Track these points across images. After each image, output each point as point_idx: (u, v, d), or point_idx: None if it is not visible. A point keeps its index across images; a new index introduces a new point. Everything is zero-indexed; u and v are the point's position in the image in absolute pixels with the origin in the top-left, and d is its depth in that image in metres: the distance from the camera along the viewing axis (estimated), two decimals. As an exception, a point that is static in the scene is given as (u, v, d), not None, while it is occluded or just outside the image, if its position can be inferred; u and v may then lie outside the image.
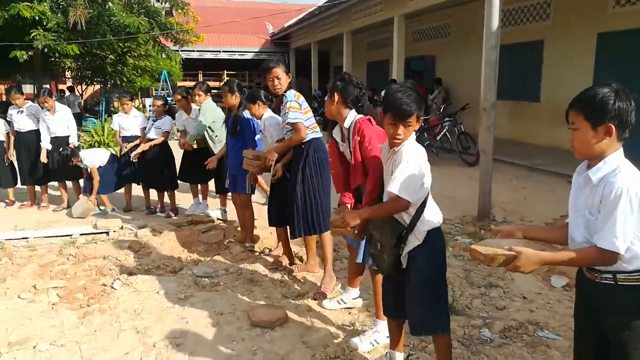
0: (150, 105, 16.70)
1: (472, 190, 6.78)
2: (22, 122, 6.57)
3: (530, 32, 11.07)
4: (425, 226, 2.42)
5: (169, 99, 18.89)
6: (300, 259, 4.59)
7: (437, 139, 10.64)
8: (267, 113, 4.47)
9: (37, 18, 11.14)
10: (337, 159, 3.16)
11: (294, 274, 4.20)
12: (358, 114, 3.04)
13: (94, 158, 6.25)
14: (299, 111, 3.83)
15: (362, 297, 3.63)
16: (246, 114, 4.79)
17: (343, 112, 3.03)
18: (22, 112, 6.56)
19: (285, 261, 4.41)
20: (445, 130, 10.50)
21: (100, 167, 6.22)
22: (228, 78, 23.74)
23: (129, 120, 6.36)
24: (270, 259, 4.59)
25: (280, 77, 3.92)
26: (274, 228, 4.59)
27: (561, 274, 4.11)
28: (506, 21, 11.44)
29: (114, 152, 6.73)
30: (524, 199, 6.77)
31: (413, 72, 15.65)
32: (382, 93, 11.15)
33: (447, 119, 10.58)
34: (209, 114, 5.69)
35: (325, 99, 3.21)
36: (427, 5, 11.75)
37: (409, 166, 2.33)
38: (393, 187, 2.33)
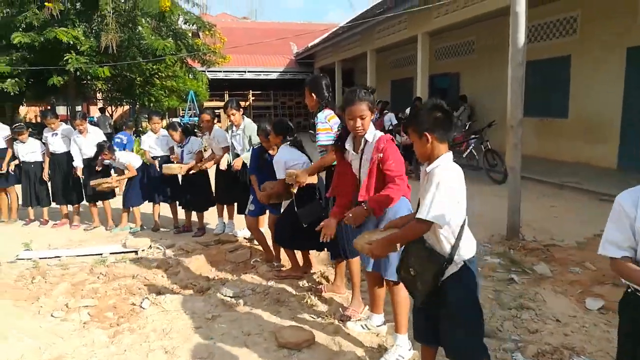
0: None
1: (500, 208, 6.66)
2: (56, 144, 6.79)
3: (557, 48, 10.95)
4: (464, 255, 2.36)
5: (196, 118, 19.32)
6: (327, 279, 4.57)
7: (463, 156, 10.54)
8: (283, 147, 4.44)
9: (71, 43, 11.55)
10: (341, 168, 3.27)
11: (320, 294, 4.18)
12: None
13: (130, 158, 6.49)
14: (330, 132, 3.81)
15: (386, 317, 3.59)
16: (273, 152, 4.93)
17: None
18: (56, 134, 6.78)
19: (289, 272, 4.60)
20: (471, 147, 10.41)
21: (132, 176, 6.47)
22: (253, 98, 24.16)
23: (158, 140, 6.50)
24: (300, 282, 4.58)
25: (306, 96, 3.99)
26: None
27: (597, 296, 3.99)
28: (532, 37, 11.35)
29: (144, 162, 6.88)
30: (553, 218, 6.62)
31: (437, 89, 15.60)
32: (407, 111, 11.23)
33: (472, 136, 10.48)
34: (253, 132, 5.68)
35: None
36: (451, 23, 11.77)
37: (440, 190, 2.27)
38: (422, 211, 2.29)
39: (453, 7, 11.16)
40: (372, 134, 3.07)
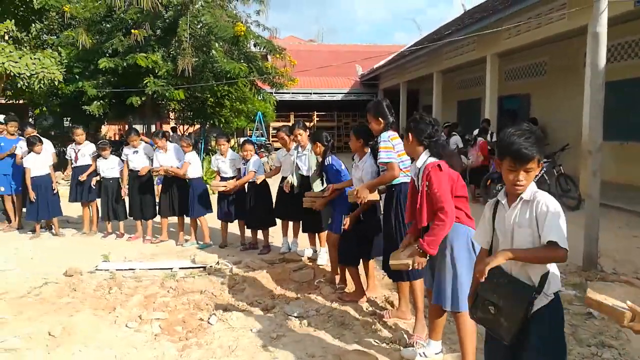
0: (240, 145, 17.55)
1: (574, 236, 6.26)
2: (136, 161, 7.20)
3: (638, 68, 10.35)
4: (553, 286, 2.22)
5: (262, 139, 19.85)
6: (391, 304, 4.50)
7: (535, 180, 10.11)
8: (368, 154, 4.49)
9: (150, 67, 12.30)
10: (411, 191, 3.35)
11: (384, 319, 4.12)
12: (432, 149, 3.18)
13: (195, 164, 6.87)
14: (391, 151, 3.86)
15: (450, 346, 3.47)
16: (328, 160, 5.06)
17: (417, 150, 3.26)
18: (137, 152, 7.21)
19: (349, 297, 4.57)
20: (542, 171, 9.96)
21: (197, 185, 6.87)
22: (317, 118, 24.52)
23: (226, 164, 6.73)
24: (361, 302, 4.54)
25: (370, 122, 4.06)
26: (365, 269, 4.63)
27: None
28: (610, 57, 10.81)
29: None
30: (636, 249, 6.18)
31: (506, 111, 15.15)
32: (475, 132, 10.97)
33: (545, 160, 10.05)
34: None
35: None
36: (521, 44, 11.46)
37: (558, 215, 2.13)
38: (554, 235, 2.09)
39: (524, 28, 10.87)
40: (422, 161, 3.19)
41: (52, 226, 7.65)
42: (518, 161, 2.18)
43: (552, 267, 2.24)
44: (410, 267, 3.12)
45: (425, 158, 3.17)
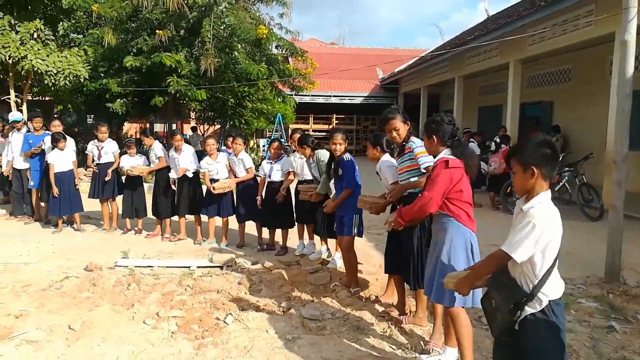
0: (264, 146, 17.66)
1: (595, 247, 6.23)
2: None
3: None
4: (549, 294, 2.29)
5: (282, 140, 19.92)
6: (409, 311, 4.47)
7: (555, 189, 9.95)
8: (384, 156, 4.49)
9: (173, 66, 12.46)
10: None
11: (401, 325, 4.09)
12: (455, 148, 3.24)
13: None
14: (429, 155, 3.81)
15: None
16: (346, 156, 4.98)
17: (439, 150, 3.30)
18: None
19: (395, 312, 4.31)
20: (564, 180, 9.81)
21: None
22: (336, 121, 24.51)
23: (235, 163, 6.76)
24: (378, 307, 4.52)
25: (399, 128, 3.99)
26: (380, 274, 4.58)
27: None
28: (638, 65, 10.60)
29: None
30: (661, 262, 6.04)
31: (528, 118, 14.96)
32: (496, 139, 10.85)
33: (566, 168, 9.89)
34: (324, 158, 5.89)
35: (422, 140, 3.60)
36: (545, 51, 11.32)
37: (533, 231, 2.22)
38: (509, 246, 2.28)
39: (549, 35, 10.73)
40: (439, 156, 3.27)
41: (74, 221, 7.78)
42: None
43: (552, 275, 2.29)
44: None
45: (442, 154, 3.25)
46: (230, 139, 7.05)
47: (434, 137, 3.28)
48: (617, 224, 5.33)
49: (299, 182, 6.43)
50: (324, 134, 25.02)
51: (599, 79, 11.53)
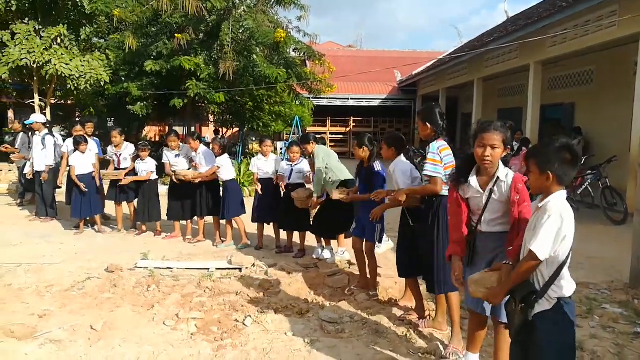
0: (282, 149, 17.73)
1: (619, 252, 6.11)
2: (179, 164, 7.36)
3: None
4: (556, 293, 2.31)
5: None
6: (429, 315, 4.43)
7: (577, 192, 9.79)
8: (399, 159, 4.45)
9: (192, 69, 12.59)
10: (454, 201, 3.11)
11: (420, 329, 4.06)
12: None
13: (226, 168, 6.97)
14: (439, 165, 3.74)
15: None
16: (377, 165, 4.94)
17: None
18: (178, 155, 7.37)
19: (414, 316, 4.27)
20: (587, 183, 9.65)
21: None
22: (354, 124, 24.49)
23: (268, 164, 6.79)
24: (397, 311, 4.50)
25: (419, 126, 4.00)
26: (398, 278, 4.55)
27: None
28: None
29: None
30: (687, 268, 5.88)
31: (549, 120, 14.74)
32: (512, 144, 10.72)
33: (589, 171, 9.72)
34: (321, 157, 6.04)
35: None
36: (567, 52, 11.15)
37: (550, 224, 2.26)
38: (537, 246, 2.27)
39: (571, 36, 10.58)
40: (505, 172, 2.93)
41: (95, 223, 7.90)
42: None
43: (563, 274, 2.31)
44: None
45: (507, 169, 2.97)
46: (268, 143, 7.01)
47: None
48: (642, 228, 5.21)
49: (287, 186, 6.54)
50: (341, 136, 25.09)
51: (622, 80, 11.30)
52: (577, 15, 9.97)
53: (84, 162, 7.67)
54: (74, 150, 7.73)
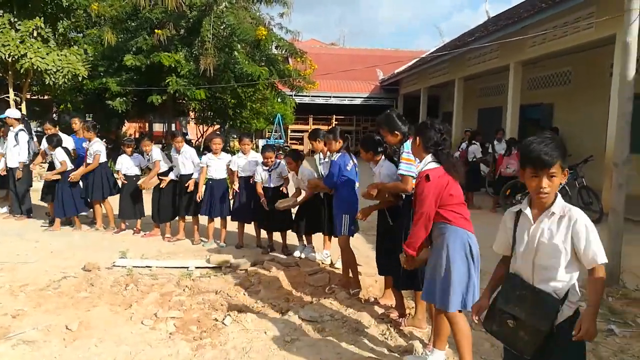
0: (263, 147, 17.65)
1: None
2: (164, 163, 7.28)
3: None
4: (575, 295, 2.24)
5: (281, 141, 19.91)
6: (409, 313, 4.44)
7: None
8: (384, 161, 4.45)
9: (172, 66, 12.44)
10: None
11: (400, 327, 4.07)
12: (437, 156, 3.25)
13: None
14: (411, 163, 3.81)
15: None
16: (334, 156, 5.11)
17: (422, 155, 3.35)
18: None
19: (394, 314, 4.28)
20: (564, 183, 9.80)
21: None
22: (336, 122, 24.51)
23: (247, 162, 6.73)
24: (377, 309, 4.50)
25: (386, 136, 4.10)
26: (378, 276, 4.58)
27: None
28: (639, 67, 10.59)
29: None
30: (661, 265, 6.02)
31: (528, 120, 14.95)
32: (494, 142, 10.86)
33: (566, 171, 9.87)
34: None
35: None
36: (546, 53, 11.31)
37: (596, 233, 2.16)
38: (600, 257, 2.16)
39: (550, 37, 10.73)
40: (422, 165, 3.30)
41: (73, 221, 7.74)
42: (539, 167, 2.18)
43: (574, 278, 2.23)
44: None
45: (425, 164, 3.27)
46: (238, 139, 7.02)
47: (418, 139, 3.35)
48: (617, 227, 5.31)
49: (267, 189, 6.48)
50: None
51: (598, 81, 11.53)
52: (556, 16, 10.12)
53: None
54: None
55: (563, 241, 2.20)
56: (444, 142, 3.30)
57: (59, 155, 7.48)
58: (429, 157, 3.28)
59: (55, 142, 7.51)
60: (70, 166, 7.55)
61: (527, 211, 2.32)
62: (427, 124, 3.37)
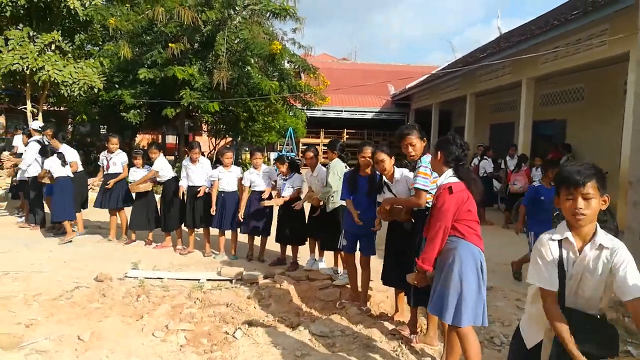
0: (274, 160, 17.76)
1: (612, 270, 6.11)
2: (166, 171, 7.34)
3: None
4: (608, 315, 2.30)
5: (292, 154, 19.97)
6: (421, 330, 4.41)
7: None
8: (404, 170, 4.45)
9: (186, 79, 12.60)
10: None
11: (412, 344, 4.04)
12: (458, 172, 3.28)
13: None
14: (428, 178, 3.82)
15: None
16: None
17: (443, 169, 3.36)
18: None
19: (406, 331, 4.25)
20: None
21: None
22: (347, 136, 24.56)
23: (260, 177, 6.77)
24: (388, 325, 4.47)
25: (415, 144, 3.99)
26: (391, 291, 4.56)
27: None
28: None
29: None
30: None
31: (540, 136, 14.87)
32: (506, 158, 10.81)
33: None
34: (337, 175, 5.67)
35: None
36: (558, 69, 11.29)
37: (632, 260, 2.13)
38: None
39: (562, 53, 10.71)
40: (443, 179, 3.30)
41: (64, 229, 7.75)
42: (572, 185, 2.16)
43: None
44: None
45: (446, 177, 3.29)
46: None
47: (440, 153, 3.37)
48: (632, 245, 5.24)
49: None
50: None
51: (612, 98, 11.45)
52: (568, 33, 10.11)
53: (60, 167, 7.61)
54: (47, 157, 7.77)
55: (601, 273, 2.17)
56: (464, 157, 3.35)
57: (68, 157, 7.69)
58: (449, 172, 3.31)
59: (50, 152, 7.73)
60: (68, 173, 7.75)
61: (572, 239, 2.23)
62: (449, 139, 3.41)
